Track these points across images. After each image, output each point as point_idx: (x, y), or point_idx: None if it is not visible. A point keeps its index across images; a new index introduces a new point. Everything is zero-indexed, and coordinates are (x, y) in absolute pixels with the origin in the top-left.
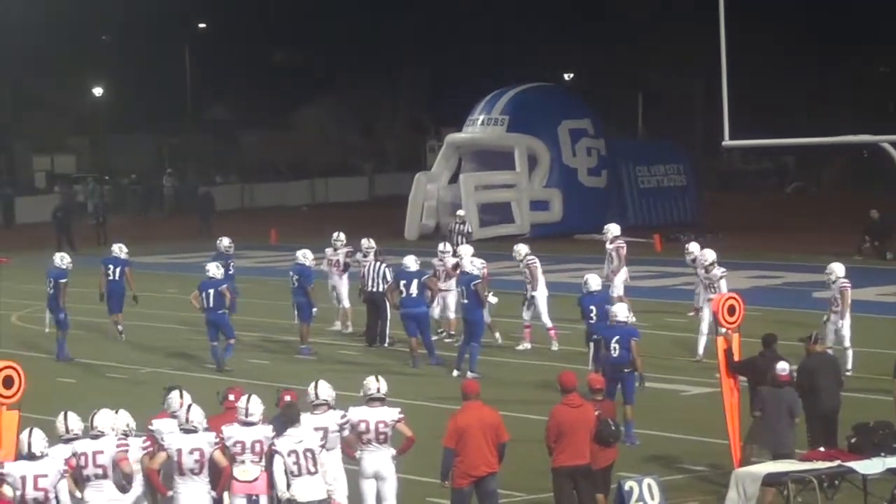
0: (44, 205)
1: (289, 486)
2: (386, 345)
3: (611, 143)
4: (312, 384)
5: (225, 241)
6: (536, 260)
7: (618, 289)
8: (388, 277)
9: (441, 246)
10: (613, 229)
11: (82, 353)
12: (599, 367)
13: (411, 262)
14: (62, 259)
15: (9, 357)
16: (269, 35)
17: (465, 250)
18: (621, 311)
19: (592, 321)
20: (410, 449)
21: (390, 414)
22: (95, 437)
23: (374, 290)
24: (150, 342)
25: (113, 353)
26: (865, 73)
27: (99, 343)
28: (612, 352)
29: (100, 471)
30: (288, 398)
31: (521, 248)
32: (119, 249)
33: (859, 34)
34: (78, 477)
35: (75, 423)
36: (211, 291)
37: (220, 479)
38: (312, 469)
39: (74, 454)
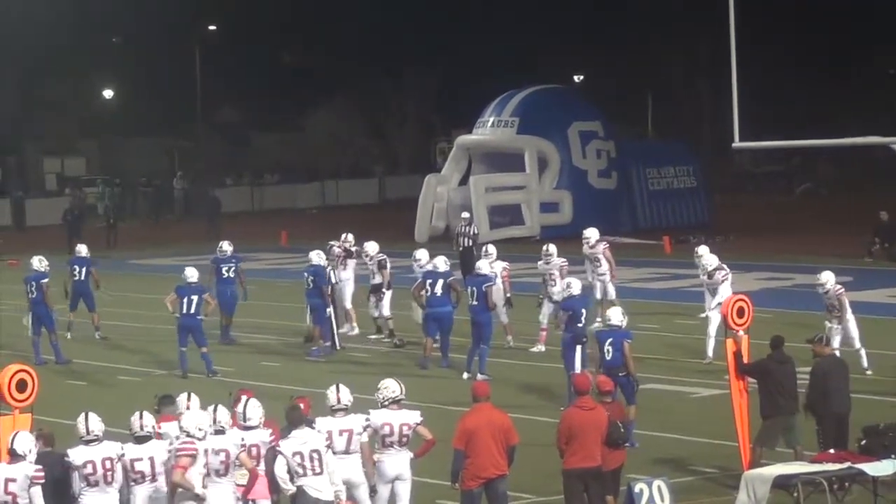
0: (54, 207)
1: (293, 481)
2: (338, 347)
3: (620, 145)
4: (333, 388)
5: (223, 245)
6: (566, 262)
7: (611, 292)
8: (332, 280)
9: (416, 253)
10: (593, 234)
11: (91, 356)
12: (595, 368)
13: (441, 263)
14: (40, 262)
15: (20, 360)
16: (280, 37)
17: (491, 250)
18: (615, 315)
19: (581, 325)
20: (429, 451)
21: (412, 416)
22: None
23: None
24: (160, 345)
25: (123, 356)
26: (874, 74)
27: (107, 346)
28: (606, 354)
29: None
30: (301, 406)
31: (553, 249)
32: (86, 250)
33: (869, 36)
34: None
35: (96, 424)
36: (195, 298)
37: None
38: (318, 469)
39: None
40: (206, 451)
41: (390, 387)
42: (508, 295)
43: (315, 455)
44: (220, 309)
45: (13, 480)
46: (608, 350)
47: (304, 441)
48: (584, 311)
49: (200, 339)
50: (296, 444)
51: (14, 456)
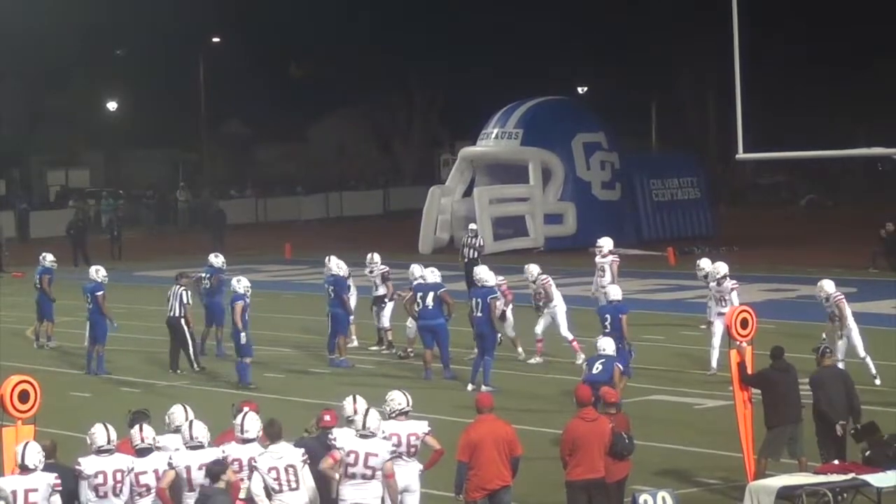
0: (58, 219)
1: (270, 498)
2: (196, 370)
3: (625, 157)
4: (350, 399)
5: (218, 259)
6: (549, 278)
7: None
8: (186, 301)
9: (418, 269)
10: (607, 243)
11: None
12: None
13: (430, 275)
14: (97, 272)
15: (24, 371)
16: (284, 49)
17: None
18: (609, 346)
19: (607, 330)
20: (438, 462)
21: (420, 427)
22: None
23: (172, 314)
24: (164, 357)
25: (126, 367)
26: (880, 84)
27: (111, 357)
28: (593, 370)
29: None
30: (328, 417)
31: (533, 269)
32: (43, 258)
33: (874, 46)
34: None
35: (113, 435)
36: (228, 307)
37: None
38: (294, 485)
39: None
40: (187, 467)
41: (397, 399)
42: (506, 308)
43: (291, 469)
44: (213, 321)
45: (34, 490)
46: (598, 367)
47: (280, 456)
48: (608, 317)
49: (240, 350)
50: (271, 460)
51: (25, 469)
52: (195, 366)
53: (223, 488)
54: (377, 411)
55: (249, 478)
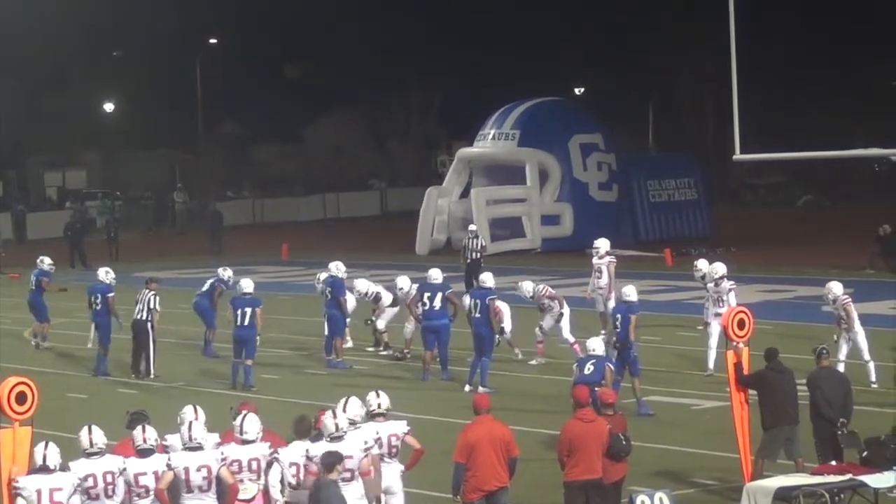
0: (55, 220)
1: (283, 492)
2: (151, 377)
3: (622, 158)
4: (342, 402)
5: (226, 272)
6: (547, 287)
7: (610, 306)
8: (154, 306)
9: (406, 282)
10: (604, 245)
11: (91, 368)
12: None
13: (437, 275)
14: (106, 273)
15: (20, 372)
16: (281, 50)
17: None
18: (599, 347)
19: (618, 329)
20: (419, 461)
21: (399, 427)
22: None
23: (139, 317)
24: (160, 358)
25: (123, 370)
26: (878, 86)
27: (108, 360)
28: (586, 370)
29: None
30: (308, 417)
31: (527, 286)
32: (41, 262)
33: (873, 47)
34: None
35: (99, 437)
36: (248, 310)
37: (226, 496)
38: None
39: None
40: (185, 468)
41: (371, 400)
42: (503, 325)
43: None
44: (209, 325)
45: (59, 490)
46: (589, 368)
47: (303, 454)
48: (618, 316)
49: (250, 352)
50: (294, 455)
51: (45, 470)
52: (152, 373)
53: (335, 479)
54: (355, 408)
55: (253, 478)
